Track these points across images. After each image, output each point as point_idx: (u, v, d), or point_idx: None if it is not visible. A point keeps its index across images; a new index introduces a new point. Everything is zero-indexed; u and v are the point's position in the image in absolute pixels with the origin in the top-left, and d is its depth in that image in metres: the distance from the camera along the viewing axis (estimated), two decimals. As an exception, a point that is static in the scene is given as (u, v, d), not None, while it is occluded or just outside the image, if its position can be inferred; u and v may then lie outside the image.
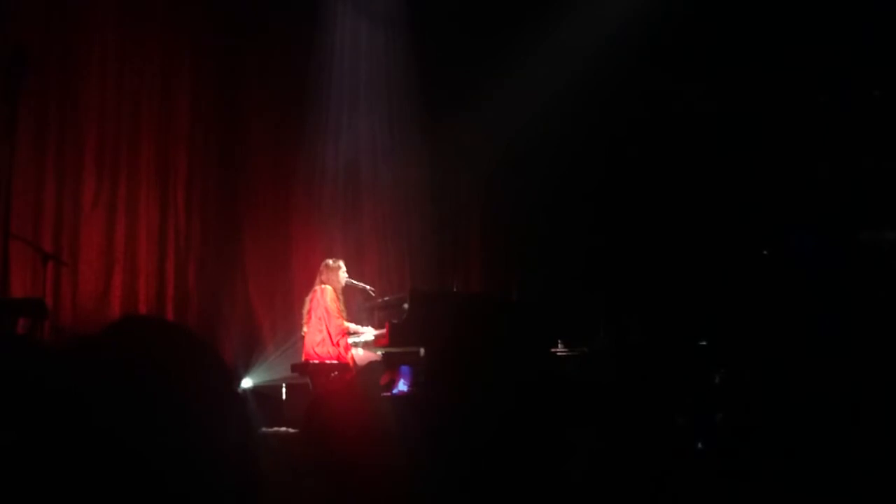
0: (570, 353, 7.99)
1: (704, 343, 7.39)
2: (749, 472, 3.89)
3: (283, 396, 8.77)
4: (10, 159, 8.47)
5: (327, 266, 8.37)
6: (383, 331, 8.11)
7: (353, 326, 8.39)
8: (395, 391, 7.57)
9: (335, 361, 8.03)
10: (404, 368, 7.85)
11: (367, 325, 8.51)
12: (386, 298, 8.65)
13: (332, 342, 8.08)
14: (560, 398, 3.83)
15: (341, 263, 8.42)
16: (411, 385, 7.37)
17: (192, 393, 1.78)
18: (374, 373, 7.74)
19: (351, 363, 8.11)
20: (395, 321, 8.03)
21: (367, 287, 8.65)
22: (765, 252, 7.92)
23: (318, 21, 10.21)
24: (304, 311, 8.30)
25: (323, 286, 8.24)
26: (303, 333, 8.29)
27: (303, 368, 8.19)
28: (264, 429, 7.27)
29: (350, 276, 8.49)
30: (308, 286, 8.54)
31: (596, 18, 10.04)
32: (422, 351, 7.35)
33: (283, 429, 7.40)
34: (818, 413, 4.36)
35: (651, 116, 10.01)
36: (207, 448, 1.76)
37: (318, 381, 7.98)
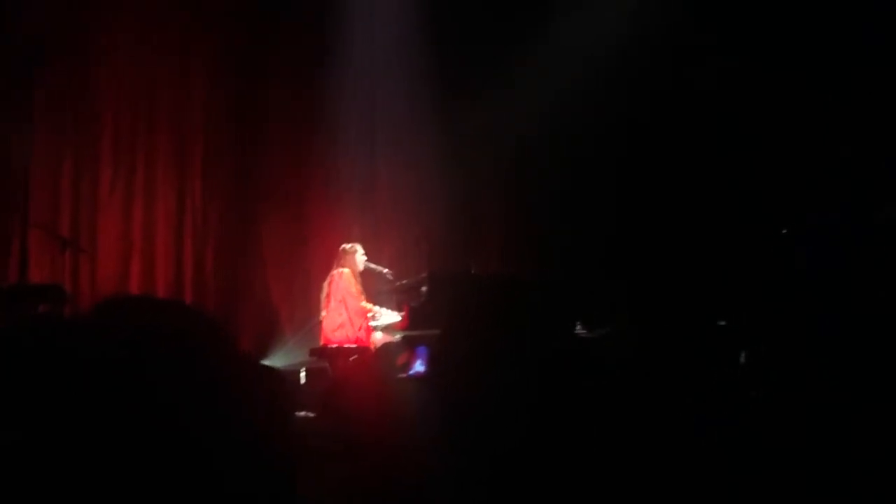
0: (589, 335, 7.94)
1: (724, 323, 7.34)
2: (775, 457, 3.85)
3: (302, 381, 8.76)
4: (28, 147, 8.50)
5: (345, 251, 8.35)
6: (402, 314, 8.08)
7: (373, 308, 8.37)
8: (411, 372, 7.55)
9: (354, 345, 8.01)
10: (420, 349, 7.82)
11: (387, 308, 8.48)
12: (404, 282, 8.62)
13: (353, 325, 8.06)
14: (581, 377, 3.80)
15: (358, 247, 8.40)
16: (427, 366, 7.35)
17: (218, 370, 1.77)
18: (390, 354, 7.72)
19: (371, 347, 8.10)
20: (413, 304, 8.00)
21: (385, 270, 8.62)
22: (784, 231, 7.85)
23: (333, 5, 10.15)
24: (323, 295, 8.28)
25: (341, 269, 8.23)
26: (321, 318, 8.27)
27: (322, 352, 8.17)
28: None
29: (368, 260, 8.47)
30: (325, 270, 8.53)
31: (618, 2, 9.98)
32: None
33: (303, 413, 7.38)
34: (839, 397, 4.32)
35: (674, 98, 9.94)
36: (241, 426, 1.74)
37: (337, 364, 7.97)
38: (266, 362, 9.33)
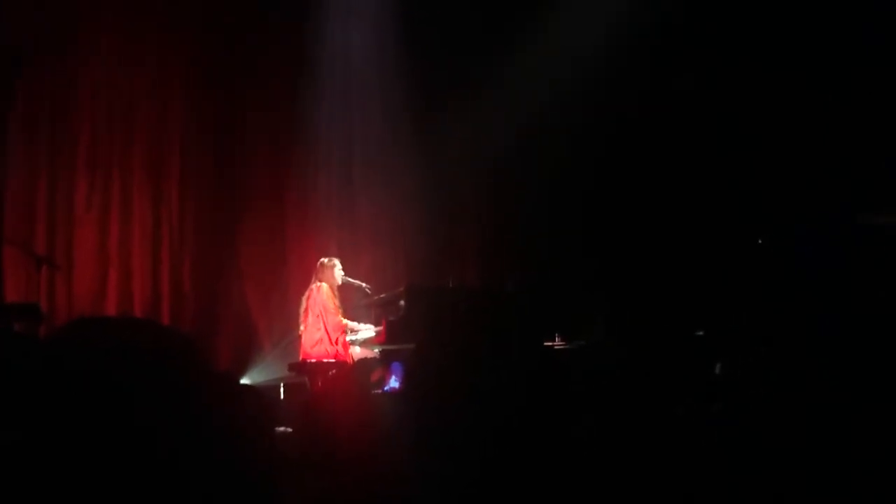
0: (567, 346, 7.97)
1: (701, 333, 7.38)
2: (750, 464, 3.87)
3: (281, 396, 8.74)
4: (2, 163, 8.47)
5: (323, 265, 8.34)
6: (380, 328, 8.08)
7: (351, 324, 8.37)
8: (386, 388, 7.54)
9: (333, 360, 8.00)
10: (395, 365, 7.81)
11: (364, 323, 8.48)
12: (382, 295, 8.61)
13: (330, 340, 8.04)
14: (557, 389, 3.82)
15: (336, 262, 8.39)
16: (402, 379, 7.34)
17: (198, 388, 1.77)
18: (365, 370, 7.71)
19: (350, 361, 8.09)
20: (392, 318, 8.00)
21: (364, 284, 8.62)
22: (760, 241, 7.90)
23: (310, 18, 10.16)
24: (301, 309, 8.26)
25: (319, 284, 8.21)
26: (299, 332, 8.26)
27: (300, 367, 8.15)
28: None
29: (346, 274, 8.47)
30: (304, 284, 8.51)
31: (595, 11, 10.01)
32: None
33: (282, 428, 7.37)
34: (820, 404, 4.35)
35: (647, 110, 10.00)
36: (217, 443, 1.75)
37: (315, 379, 7.95)
38: (245, 377, 9.32)
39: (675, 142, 9.89)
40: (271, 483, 1.85)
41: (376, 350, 8.26)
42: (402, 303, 8.02)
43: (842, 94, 8.71)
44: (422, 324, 7.60)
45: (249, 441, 1.81)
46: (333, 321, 8.08)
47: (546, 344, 7.86)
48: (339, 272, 8.34)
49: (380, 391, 7.04)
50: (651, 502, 3.61)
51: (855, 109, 8.63)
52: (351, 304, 8.78)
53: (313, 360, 8.02)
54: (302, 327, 8.20)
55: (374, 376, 7.76)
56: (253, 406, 1.88)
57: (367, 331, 8.32)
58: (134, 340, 1.79)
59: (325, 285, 8.20)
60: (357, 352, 8.28)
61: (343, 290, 8.46)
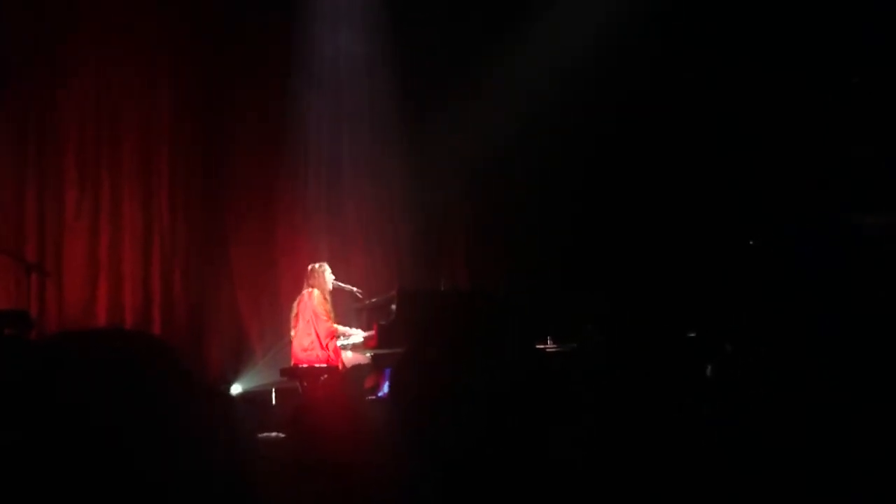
0: (558, 349, 7.97)
1: (693, 335, 7.38)
2: (743, 465, 3.87)
3: (273, 401, 8.72)
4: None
5: (313, 270, 8.33)
6: (371, 332, 8.07)
7: (342, 328, 8.36)
8: (380, 394, 7.53)
9: (324, 365, 7.99)
10: (388, 371, 7.80)
11: (356, 328, 8.47)
12: (373, 300, 8.60)
13: (321, 345, 8.03)
14: (546, 392, 3.81)
15: (326, 266, 8.38)
16: (389, 383, 7.33)
17: (174, 396, 1.76)
18: (358, 376, 7.70)
19: (341, 366, 8.07)
20: (382, 322, 7.99)
21: (354, 289, 8.61)
22: (751, 242, 7.91)
23: (298, 21, 10.15)
24: (292, 315, 8.26)
25: (310, 289, 8.21)
26: (290, 338, 8.24)
27: (292, 373, 8.13)
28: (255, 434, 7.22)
29: (337, 279, 8.46)
30: (295, 290, 8.50)
31: (582, 15, 10.03)
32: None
33: (274, 433, 7.35)
34: (814, 405, 4.35)
35: (638, 110, 10.02)
36: (193, 449, 1.74)
37: (307, 385, 7.94)
38: (237, 383, 9.29)
39: (664, 142, 9.91)
40: (241, 485, 1.84)
41: (368, 354, 8.24)
42: (393, 307, 8.01)
43: (839, 93, 8.75)
44: (413, 327, 7.59)
45: (228, 448, 1.80)
46: (325, 326, 8.06)
47: (538, 346, 7.86)
48: (329, 277, 8.34)
49: (374, 397, 7.02)
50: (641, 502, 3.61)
51: (852, 108, 8.67)
52: (342, 308, 8.77)
53: (305, 366, 8.01)
54: (293, 332, 8.19)
55: (369, 382, 7.75)
56: (231, 413, 1.88)
57: (359, 335, 8.31)
58: (114, 350, 1.78)
59: (316, 291, 8.19)
60: (349, 356, 8.27)
61: (334, 295, 8.45)
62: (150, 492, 1.69)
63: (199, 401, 1.79)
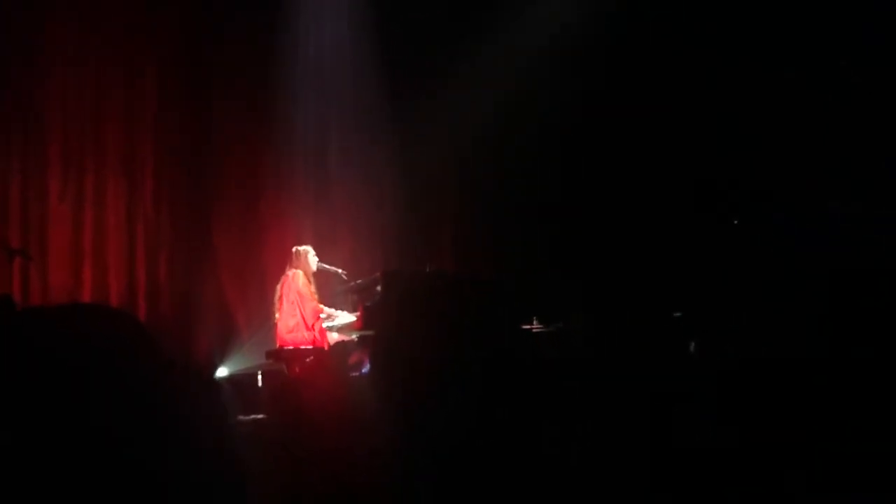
0: (545, 330, 7.98)
1: (679, 314, 7.41)
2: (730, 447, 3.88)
3: (259, 383, 8.72)
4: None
5: (297, 252, 8.34)
6: (357, 314, 8.06)
7: (327, 310, 8.36)
8: (364, 371, 7.53)
9: (310, 346, 7.99)
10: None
11: (342, 310, 8.47)
12: (359, 281, 8.60)
13: (306, 326, 8.04)
14: (531, 373, 3.81)
15: (310, 248, 8.39)
16: (372, 363, 7.32)
17: (160, 380, 1.75)
18: (342, 353, 7.70)
19: (326, 347, 8.07)
20: (368, 304, 7.99)
21: (340, 270, 8.60)
22: (735, 222, 7.93)
23: (281, 8, 10.10)
24: (276, 297, 8.26)
25: (294, 271, 8.21)
26: (275, 320, 8.24)
27: (277, 355, 8.14)
28: (241, 417, 7.22)
29: (322, 261, 8.45)
30: (280, 273, 8.49)
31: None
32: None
33: (261, 416, 7.35)
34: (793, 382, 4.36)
35: (619, 92, 10.02)
36: (183, 434, 1.73)
37: (293, 366, 7.94)
38: (223, 366, 9.29)
39: (648, 123, 9.90)
40: (225, 467, 1.83)
41: (354, 336, 8.24)
42: (378, 288, 8.01)
43: (836, 88, 8.77)
44: (398, 309, 7.58)
45: (204, 429, 1.79)
46: (310, 307, 8.07)
47: (524, 327, 7.88)
48: (313, 258, 8.34)
49: (357, 374, 7.01)
50: (629, 482, 3.62)
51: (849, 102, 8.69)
52: (328, 290, 8.77)
53: (290, 347, 8.01)
54: (277, 315, 8.19)
55: (352, 359, 7.74)
56: (207, 394, 1.86)
57: (344, 317, 8.31)
58: (83, 326, 1.76)
59: (299, 272, 8.20)
60: (335, 337, 8.27)
61: (319, 277, 8.45)
62: (130, 471, 1.68)
63: (170, 376, 1.78)
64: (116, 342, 1.75)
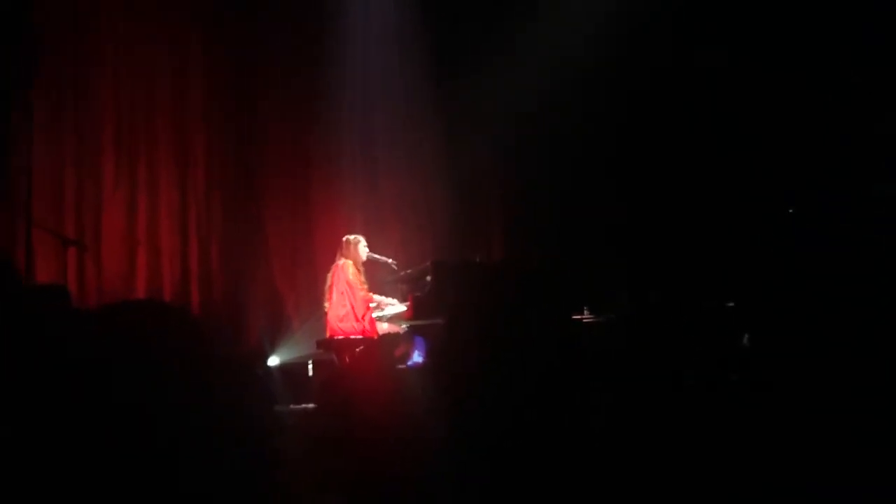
0: (595, 320, 7.92)
1: (732, 305, 7.31)
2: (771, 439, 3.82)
3: (310, 373, 8.77)
4: (29, 146, 8.48)
5: (347, 242, 8.35)
6: (407, 304, 8.07)
7: (378, 298, 8.37)
8: (410, 363, 7.54)
9: (360, 336, 8.01)
10: (418, 339, 7.80)
11: (392, 298, 8.48)
12: (408, 271, 8.60)
13: (356, 317, 8.05)
14: (582, 364, 3.77)
15: (361, 238, 8.40)
16: (427, 356, 7.33)
17: (208, 369, 1.76)
18: (389, 345, 7.71)
19: (376, 337, 8.09)
20: (418, 294, 7.99)
21: (390, 260, 8.61)
22: (791, 211, 7.81)
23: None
24: (326, 286, 8.30)
25: (344, 261, 8.23)
26: (325, 309, 8.27)
27: (328, 344, 8.17)
28: (292, 406, 7.26)
29: (372, 251, 8.46)
30: (330, 261, 8.52)
31: None
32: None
33: (311, 405, 7.38)
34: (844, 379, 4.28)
35: (678, 75, 9.87)
36: (224, 420, 1.73)
37: (343, 356, 7.97)
38: (275, 355, 9.35)
39: (704, 108, 9.76)
40: (265, 457, 1.83)
41: (404, 326, 8.25)
42: (428, 278, 8.00)
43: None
44: (449, 299, 7.58)
45: (252, 422, 1.80)
46: (360, 296, 8.09)
47: (574, 317, 7.82)
48: (363, 248, 8.35)
49: (404, 366, 7.03)
50: (674, 475, 3.57)
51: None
52: (377, 280, 8.78)
53: (340, 337, 8.04)
54: (327, 304, 8.22)
55: (399, 351, 7.76)
56: (256, 387, 1.87)
57: (394, 307, 8.32)
58: (136, 323, 1.77)
59: (349, 262, 8.21)
60: (384, 328, 8.28)
61: (369, 267, 8.47)
62: (175, 467, 1.68)
63: (219, 371, 1.78)
64: (165, 341, 1.75)
